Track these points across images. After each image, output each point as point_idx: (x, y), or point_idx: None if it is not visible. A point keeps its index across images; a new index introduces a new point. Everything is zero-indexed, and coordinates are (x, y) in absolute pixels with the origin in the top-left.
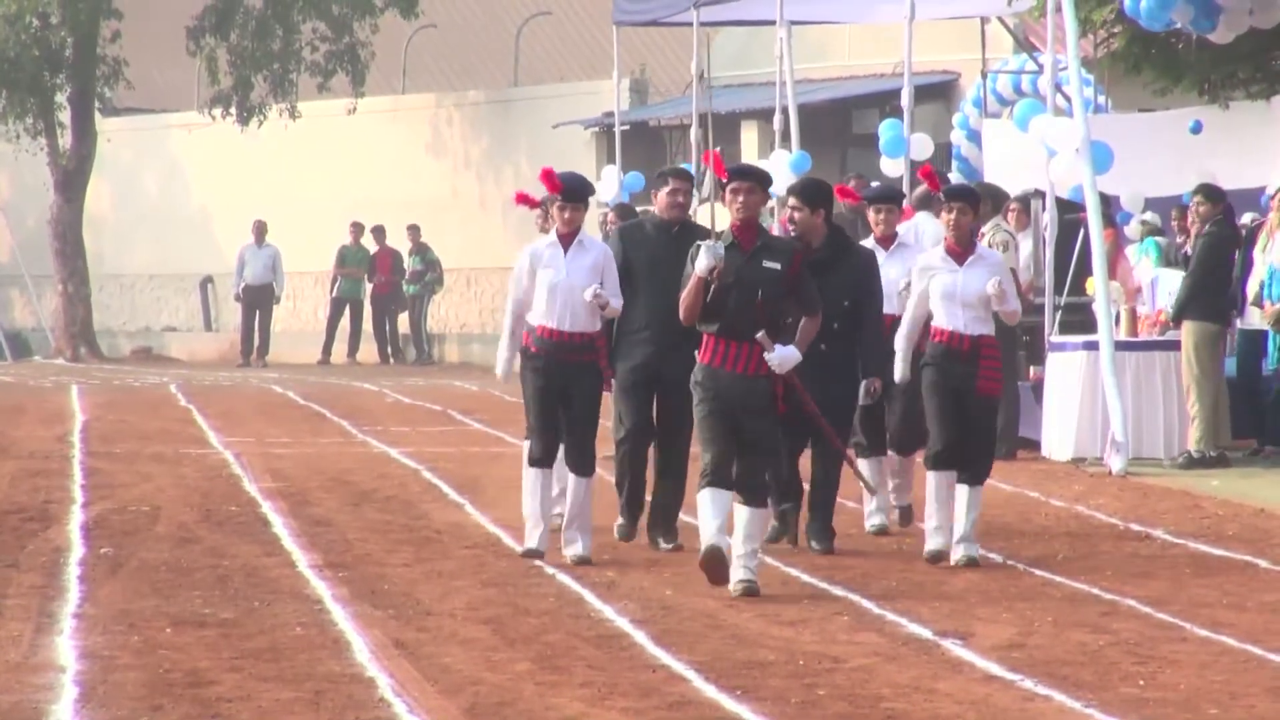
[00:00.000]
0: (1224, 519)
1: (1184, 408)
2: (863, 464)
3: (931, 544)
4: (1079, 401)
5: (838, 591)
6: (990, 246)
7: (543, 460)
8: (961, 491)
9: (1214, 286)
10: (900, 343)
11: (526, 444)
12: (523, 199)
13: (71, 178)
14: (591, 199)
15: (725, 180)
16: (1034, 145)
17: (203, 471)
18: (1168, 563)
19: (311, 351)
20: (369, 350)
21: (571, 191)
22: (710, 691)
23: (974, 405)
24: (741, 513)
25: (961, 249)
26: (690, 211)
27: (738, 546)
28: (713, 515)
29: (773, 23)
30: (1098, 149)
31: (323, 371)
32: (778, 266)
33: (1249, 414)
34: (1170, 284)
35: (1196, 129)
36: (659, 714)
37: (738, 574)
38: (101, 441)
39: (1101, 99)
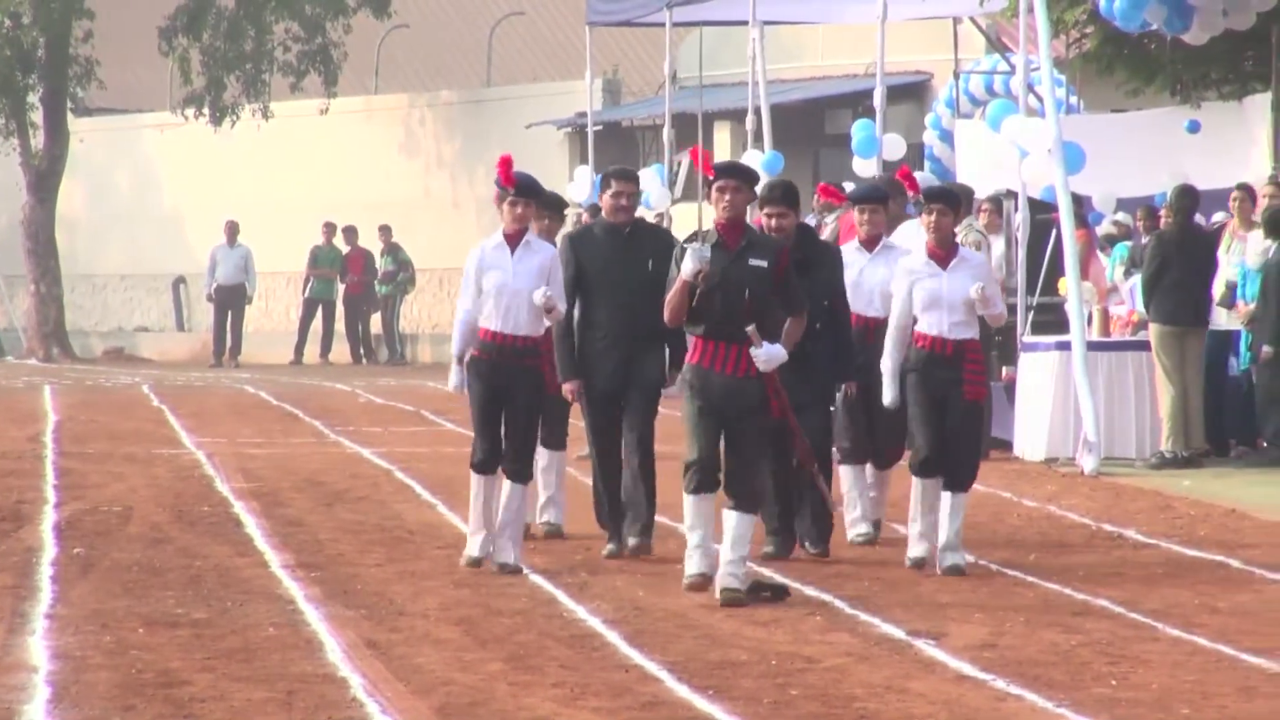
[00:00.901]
0: (1196, 519)
1: (1156, 408)
2: (844, 470)
3: (914, 551)
4: (1051, 402)
5: (810, 592)
6: (962, 245)
7: (486, 466)
8: (944, 498)
9: (1167, 289)
10: (887, 362)
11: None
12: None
13: (44, 178)
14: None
15: (712, 178)
16: (1006, 146)
17: (175, 472)
18: (1140, 563)
19: (284, 352)
20: (341, 350)
21: (524, 187)
22: (683, 692)
23: (959, 411)
24: (730, 518)
25: (944, 252)
26: (664, 210)
27: (725, 553)
28: (699, 523)
29: (745, 23)
30: (1070, 149)
31: (295, 372)
32: (765, 265)
33: (1207, 415)
34: None
35: (1194, 128)
36: (631, 714)
37: (724, 582)
38: (74, 442)
39: (1074, 99)
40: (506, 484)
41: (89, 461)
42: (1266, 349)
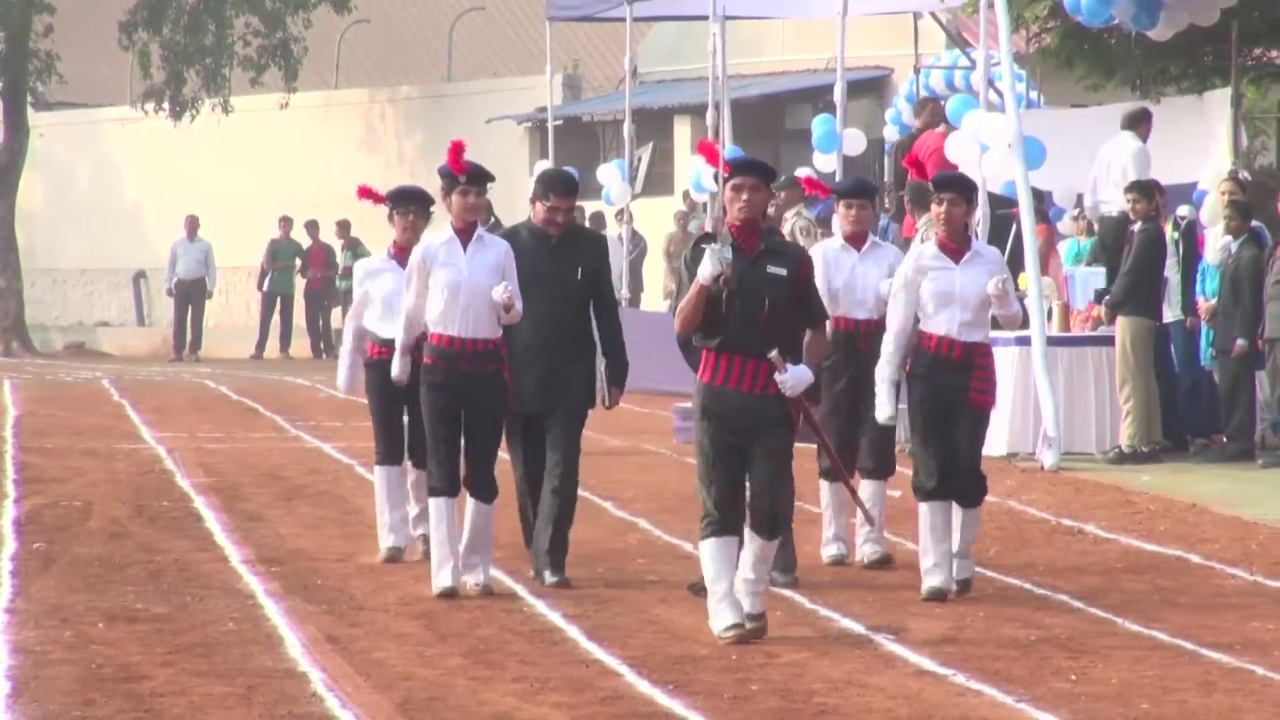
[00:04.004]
0: (1155, 514)
1: (1116, 402)
2: (823, 486)
3: (930, 581)
4: (1011, 397)
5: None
6: (922, 240)
7: (448, 489)
8: (956, 511)
9: (1151, 285)
10: (885, 370)
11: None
12: (365, 193)
13: (4, 172)
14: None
15: (726, 175)
16: (967, 141)
17: (135, 466)
18: (1099, 558)
19: (244, 346)
20: (302, 345)
21: (476, 175)
22: (643, 686)
23: (965, 419)
24: (754, 542)
25: (956, 245)
26: (624, 205)
27: (745, 571)
28: (721, 573)
29: (706, 18)
30: (1030, 144)
31: (255, 366)
32: (784, 272)
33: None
34: (1091, 280)
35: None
36: (591, 709)
37: (748, 606)
38: (34, 436)
39: (1034, 95)
40: (470, 502)
41: (49, 456)
42: (1241, 343)
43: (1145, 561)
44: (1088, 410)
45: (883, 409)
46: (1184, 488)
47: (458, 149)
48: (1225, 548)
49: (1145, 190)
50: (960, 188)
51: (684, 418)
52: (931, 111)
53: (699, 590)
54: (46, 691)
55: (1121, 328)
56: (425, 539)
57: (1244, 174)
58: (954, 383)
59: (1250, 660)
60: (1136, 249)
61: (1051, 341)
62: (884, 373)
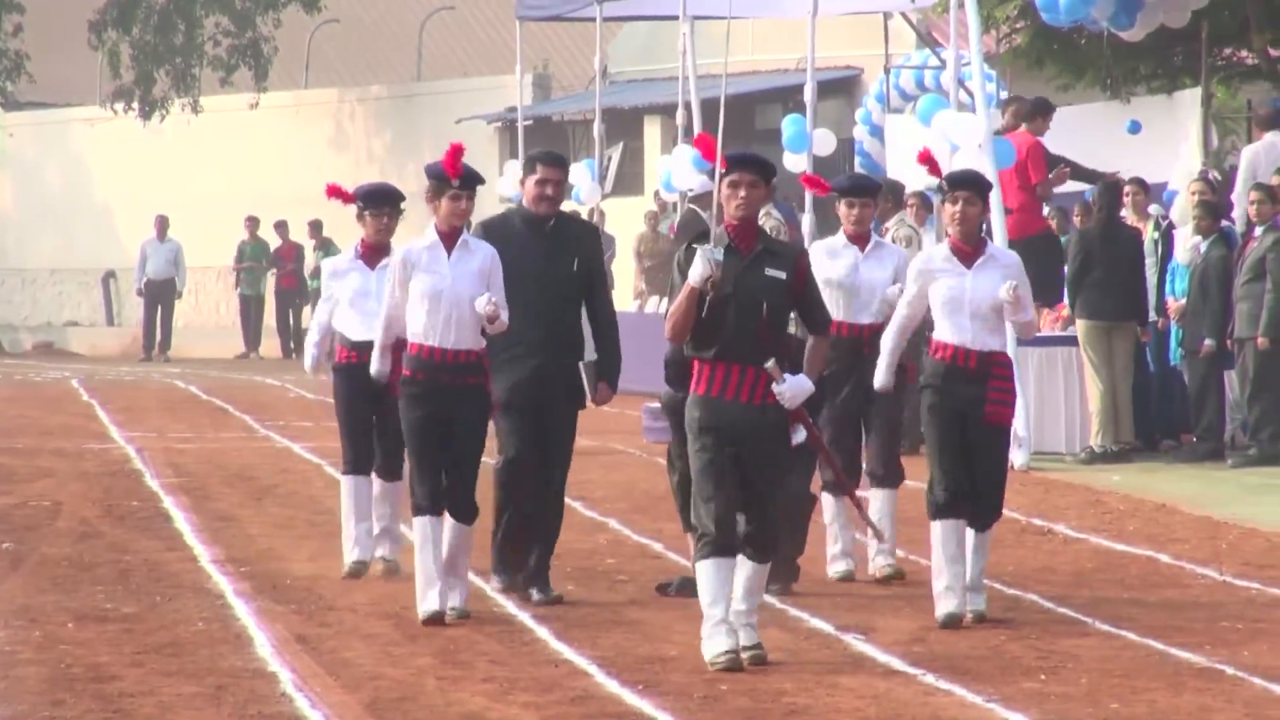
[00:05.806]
0: (1125, 514)
1: (1085, 403)
2: (828, 500)
3: (944, 607)
4: None
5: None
6: (894, 242)
7: (431, 508)
8: (967, 536)
9: (1092, 285)
10: (887, 343)
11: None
12: (334, 192)
13: None
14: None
15: (723, 170)
16: (937, 141)
17: (104, 466)
18: (1069, 558)
19: (213, 346)
20: (271, 345)
21: (470, 179)
22: (612, 686)
23: (981, 435)
24: (745, 567)
25: (970, 247)
26: (594, 205)
27: (737, 603)
28: (717, 594)
29: (675, 18)
30: (1000, 145)
31: (225, 366)
32: (782, 275)
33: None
34: None
35: (1135, 129)
36: (561, 709)
37: (742, 638)
38: (3, 436)
39: (1004, 94)
40: (448, 523)
41: (18, 456)
42: (1208, 343)
43: (1115, 561)
44: (1057, 410)
45: (880, 376)
46: (1154, 488)
47: (457, 152)
48: (1195, 548)
49: (1100, 192)
50: (975, 186)
51: (653, 417)
52: (1014, 113)
53: (668, 590)
54: (15, 692)
55: (1078, 329)
56: (385, 560)
57: (1214, 174)
58: (969, 394)
59: (1219, 660)
60: (1070, 252)
61: (1021, 342)
62: (888, 343)
